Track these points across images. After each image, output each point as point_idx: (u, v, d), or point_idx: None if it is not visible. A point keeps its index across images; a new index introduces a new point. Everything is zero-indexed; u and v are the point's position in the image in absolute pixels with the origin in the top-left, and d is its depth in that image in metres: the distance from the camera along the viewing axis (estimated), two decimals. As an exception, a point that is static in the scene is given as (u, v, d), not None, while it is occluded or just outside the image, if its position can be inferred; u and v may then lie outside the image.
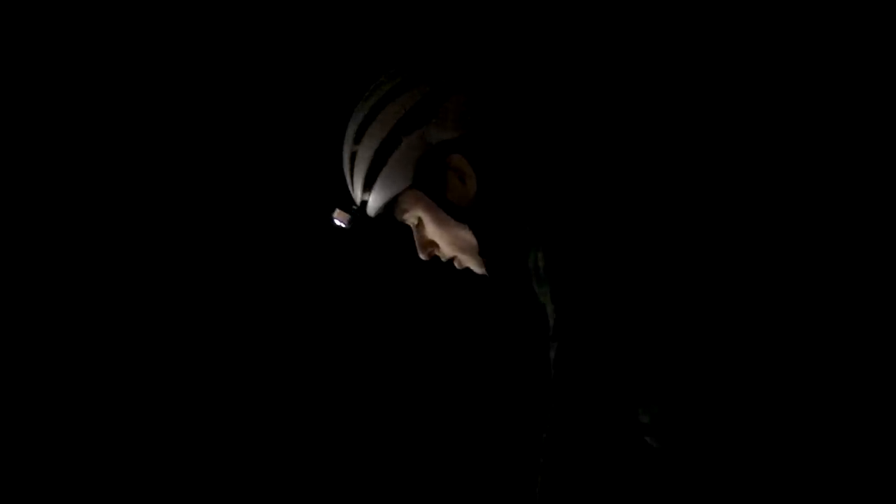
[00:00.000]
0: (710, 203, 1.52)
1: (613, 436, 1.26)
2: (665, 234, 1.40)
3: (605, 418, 1.26)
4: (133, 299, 2.50)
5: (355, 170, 1.49)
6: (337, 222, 1.55)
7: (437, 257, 1.53)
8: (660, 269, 1.36)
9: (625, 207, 1.39)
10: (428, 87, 1.46)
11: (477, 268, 1.51)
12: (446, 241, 1.49)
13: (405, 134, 1.45)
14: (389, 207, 1.50)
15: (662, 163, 1.78)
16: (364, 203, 1.50)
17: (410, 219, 1.50)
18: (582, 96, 2.28)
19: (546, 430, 1.28)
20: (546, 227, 1.35)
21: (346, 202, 1.55)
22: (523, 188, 1.45)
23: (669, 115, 2.20)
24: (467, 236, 1.48)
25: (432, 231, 1.49)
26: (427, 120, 1.45)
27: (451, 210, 1.47)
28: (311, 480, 2.53)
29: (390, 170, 1.46)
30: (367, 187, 1.48)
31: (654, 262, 1.36)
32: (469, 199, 1.46)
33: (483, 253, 1.48)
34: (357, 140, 1.48)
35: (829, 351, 1.39)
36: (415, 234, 1.52)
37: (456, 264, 1.53)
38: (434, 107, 1.45)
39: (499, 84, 1.51)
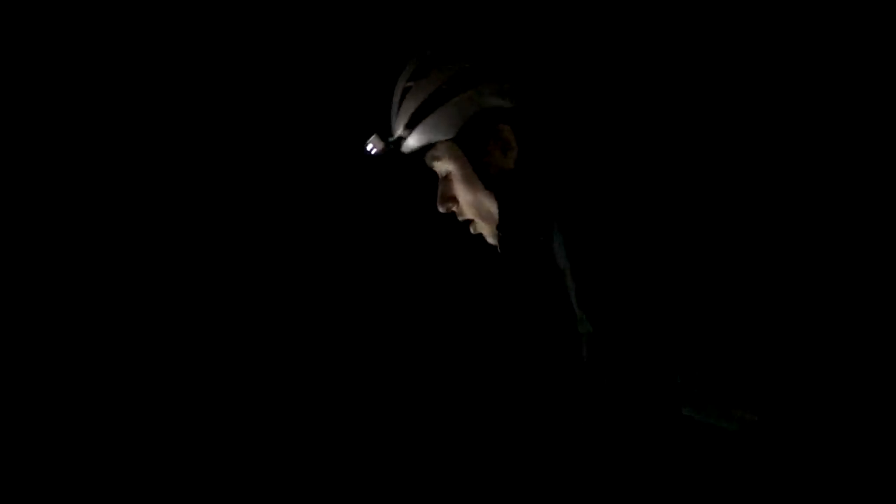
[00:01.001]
0: (734, 194, 1.53)
1: (652, 409, 1.28)
2: (686, 230, 1.40)
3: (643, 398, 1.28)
4: (133, 299, 2.49)
5: (404, 105, 1.49)
6: (370, 148, 1.55)
7: (453, 214, 1.54)
8: (679, 263, 1.36)
9: (649, 204, 1.39)
10: (499, 54, 1.46)
11: (490, 238, 1.52)
12: (469, 202, 1.49)
13: (463, 88, 1.44)
14: (424, 151, 1.50)
15: (692, 158, 1.78)
16: (401, 139, 1.50)
17: (440, 168, 1.50)
18: (625, 93, 2.26)
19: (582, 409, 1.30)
20: (574, 217, 1.35)
21: (384, 132, 1.56)
22: (560, 176, 1.44)
23: (704, 110, 2.18)
24: (491, 205, 1.48)
25: (458, 188, 1.49)
26: (489, 82, 1.44)
27: (484, 175, 1.47)
28: (322, 480, 2.53)
29: (438, 117, 1.46)
30: (411, 126, 1.48)
31: (674, 256, 1.36)
32: (504, 170, 1.46)
33: (501, 227, 1.48)
34: (415, 77, 1.48)
35: (837, 332, 1.40)
36: (440, 184, 1.53)
37: (471, 228, 1.53)
38: (499, 73, 1.45)
39: (560, 71, 1.51)
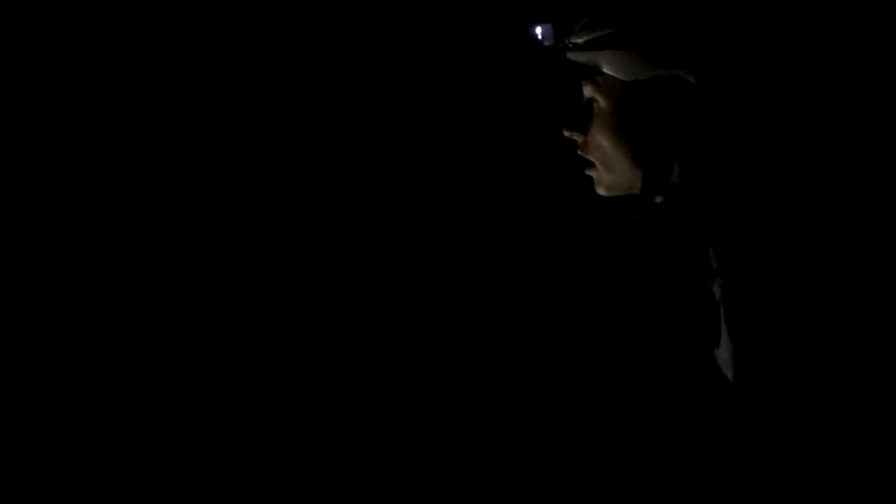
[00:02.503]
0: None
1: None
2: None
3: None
4: (133, 299, 2.44)
5: (603, 21, 1.38)
6: (538, 33, 1.45)
7: (574, 143, 1.45)
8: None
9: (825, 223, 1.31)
10: (720, 45, 1.36)
11: (604, 189, 1.43)
12: (601, 147, 1.41)
13: (671, 49, 1.34)
14: (589, 72, 1.40)
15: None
16: (577, 47, 1.40)
17: (592, 96, 1.41)
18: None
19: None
20: (729, 224, 1.27)
21: (560, 28, 1.45)
22: (722, 178, 1.35)
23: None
24: (621, 162, 1.39)
25: (599, 127, 1.40)
26: (696, 60, 1.34)
27: (633, 133, 1.37)
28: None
29: (629, 56, 1.35)
30: (596, 45, 1.38)
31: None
32: (654, 142, 1.37)
33: (642, 195, 1.39)
34: (630, 9, 1.37)
35: None
36: (580, 107, 1.43)
37: (587, 170, 1.44)
38: (710, 53, 1.35)
39: (762, 81, 1.41)
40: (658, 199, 1.41)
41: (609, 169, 1.41)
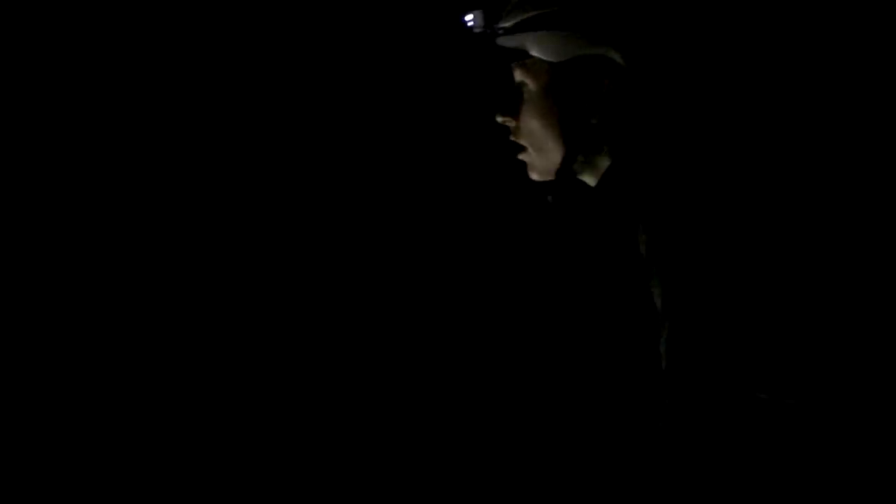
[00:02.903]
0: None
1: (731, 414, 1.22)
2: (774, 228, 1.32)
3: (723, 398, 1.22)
4: (133, 299, 2.42)
5: (525, 4, 1.38)
6: (468, 20, 1.45)
7: (506, 128, 1.44)
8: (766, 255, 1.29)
9: (748, 200, 1.31)
10: (640, 19, 1.35)
11: (535, 174, 1.42)
12: (532, 131, 1.40)
13: (591, 26, 1.34)
14: (517, 55, 1.40)
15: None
16: (505, 32, 1.40)
17: (521, 77, 1.41)
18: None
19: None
20: (655, 208, 1.27)
21: (490, 13, 1.45)
22: (650, 155, 1.35)
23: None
24: (552, 145, 1.39)
25: (528, 110, 1.40)
26: (618, 36, 1.34)
27: (562, 114, 1.37)
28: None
29: (551, 36, 1.35)
30: (521, 28, 1.38)
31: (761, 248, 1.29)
32: (582, 121, 1.36)
33: (560, 173, 1.38)
34: None
35: None
36: (511, 93, 1.43)
37: (519, 155, 1.44)
38: (632, 35, 1.34)
39: (684, 55, 1.41)
40: (590, 182, 1.41)
41: (540, 152, 1.40)
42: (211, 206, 2.45)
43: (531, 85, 1.39)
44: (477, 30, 1.45)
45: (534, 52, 1.37)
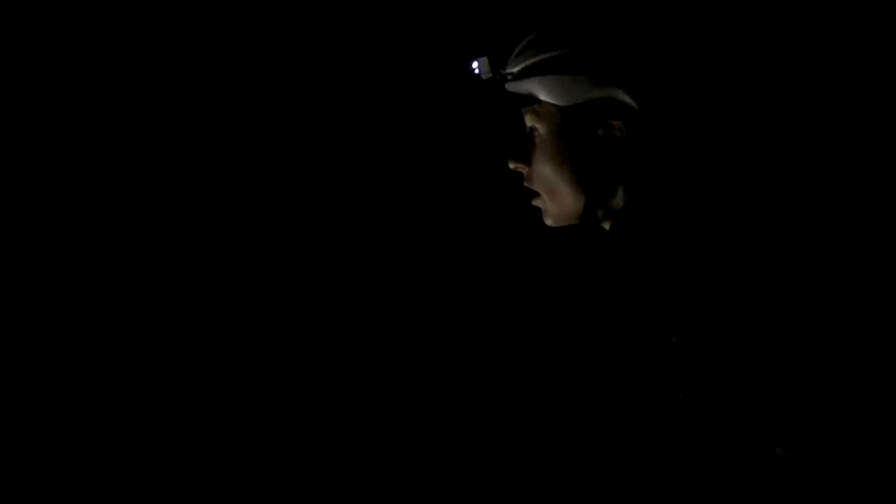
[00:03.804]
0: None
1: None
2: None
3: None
4: (133, 299, 2.41)
5: (533, 48, 1.37)
6: (474, 66, 1.44)
7: (520, 174, 1.43)
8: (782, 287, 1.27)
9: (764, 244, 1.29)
10: (649, 58, 1.33)
11: (551, 219, 1.40)
12: (544, 175, 1.38)
13: (599, 69, 1.32)
14: (526, 100, 1.38)
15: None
16: (513, 77, 1.39)
17: (533, 123, 1.39)
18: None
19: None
20: (671, 250, 1.25)
21: (497, 60, 1.44)
22: (668, 198, 1.33)
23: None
24: (565, 189, 1.37)
25: (540, 155, 1.38)
26: (626, 77, 1.32)
27: (575, 158, 1.35)
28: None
29: (561, 80, 1.33)
30: (530, 72, 1.36)
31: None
32: (597, 165, 1.34)
33: (584, 218, 1.36)
34: (557, 31, 1.35)
35: None
36: (523, 139, 1.41)
37: (533, 201, 1.42)
38: (640, 75, 1.32)
39: (693, 90, 1.39)
40: (605, 226, 1.39)
41: (554, 198, 1.38)
42: (211, 207, 2.44)
43: (542, 130, 1.37)
44: (484, 76, 1.43)
45: (543, 97, 1.36)
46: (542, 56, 1.35)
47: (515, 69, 1.38)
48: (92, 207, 2.41)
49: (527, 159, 1.40)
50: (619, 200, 1.36)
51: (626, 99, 1.32)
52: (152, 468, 2.40)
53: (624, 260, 1.37)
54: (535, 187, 1.40)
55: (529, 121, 1.39)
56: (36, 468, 2.37)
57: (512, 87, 1.40)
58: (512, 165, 1.42)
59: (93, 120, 2.39)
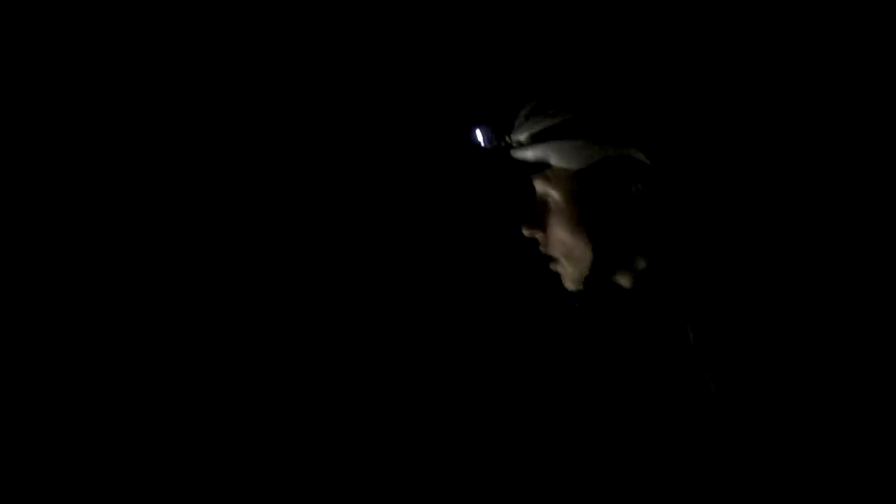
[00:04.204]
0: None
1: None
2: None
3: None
4: (133, 299, 2.39)
5: (538, 114, 1.34)
6: (478, 137, 1.42)
7: (535, 241, 1.40)
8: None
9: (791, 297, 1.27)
10: (659, 116, 1.32)
11: (570, 283, 1.38)
12: (561, 240, 1.36)
13: (609, 129, 1.30)
14: (535, 167, 1.36)
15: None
16: (520, 145, 1.37)
17: (544, 191, 1.37)
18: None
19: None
20: (707, 305, 1.23)
21: (499, 127, 1.42)
22: (697, 255, 1.31)
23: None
24: (584, 252, 1.34)
25: (555, 221, 1.36)
26: (638, 136, 1.30)
27: (591, 221, 1.33)
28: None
29: (570, 144, 1.31)
30: (537, 139, 1.34)
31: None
32: (615, 225, 1.33)
33: (597, 286, 1.34)
34: (560, 94, 1.33)
35: None
36: (535, 206, 1.39)
37: (551, 266, 1.39)
38: (652, 133, 1.31)
39: (706, 145, 1.38)
40: (625, 284, 1.37)
41: (573, 262, 1.36)
42: (210, 207, 2.40)
43: (555, 195, 1.35)
44: (489, 145, 1.41)
45: (554, 162, 1.34)
46: (551, 121, 1.32)
47: (523, 137, 1.36)
48: (92, 207, 2.36)
49: (541, 225, 1.37)
50: (641, 259, 1.34)
51: (639, 156, 1.30)
52: (152, 468, 2.36)
53: (649, 315, 1.34)
54: (553, 253, 1.38)
55: (540, 187, 1.37)
56: (36, 468, 2.32)
57: (519, 154, 1.37)
58: (527, 233, 1.40)
59: (93, 120, 2.35)
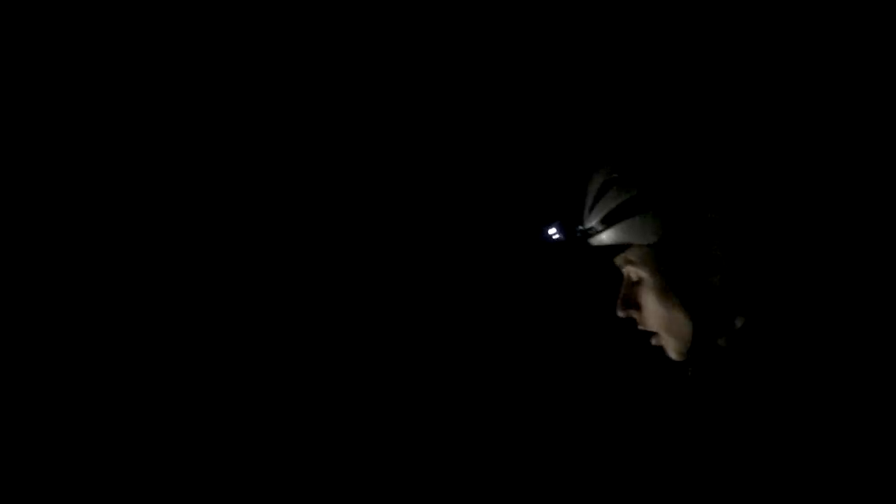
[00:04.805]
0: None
1: None
2: None
3: None
4: (133, 299, 2.45)
5: (605, 197, 1.37)
6: (552, 233, 1.45)
7: (633, 319, 1.42)
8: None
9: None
10: (718, 174, 1.33)
11: (675, 354, 1.38)
12: (657, 314, 1.37)
13: (675, 198, 1.32)
14: (616, 249, 1.39)
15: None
16: (594, 231, 1.39)
17: (631, 272, 1.39)
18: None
19: None
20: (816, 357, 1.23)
21: (569, 220, 1.45)
22: (780, 307, 1.31)
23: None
24: (683, 321, 1.35)
25: (648, 297, 1.37)
26: (704, 197, 1.32)
27: (680, 290, 1.34)
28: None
29: (641, 220, 1.34)
30: (608, 221, 1.36)
31: None
32: (704, 289, 1.34)
33: (703, 353, 1.35)
34: (621, 173, 1.36)
35: None
36: (624, 286, 1.41)
37: (653, 340, 1.40)
38: (715, 191, 1.32)
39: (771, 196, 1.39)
40: (723, 343, 1.36)
41: (672, 334, 1.37)
42: (210, 207, 2.43)
43: (642, 272, 1.37)
44: (565, 240, 1.44)
45: (631, 240, 1.36)
46: (621, 200, 1.34)
47: (594, 222, 1.38)
48: (92, 207, 2.40)
49: (635, 305, 1.39)
50: (739, 318, 1.34)
51: (713, 216, 1.32)
52: (152, 468, 2.37)
53: (753, 372, 1.33)
54: (652, 328, 1.39)
55: (629, 271, 1.39)
56: (36, 468, 2.33)
57: (597, 241, 1.39)
58: (622, 314, 1.41)
59: (93, 120, 2.39)
